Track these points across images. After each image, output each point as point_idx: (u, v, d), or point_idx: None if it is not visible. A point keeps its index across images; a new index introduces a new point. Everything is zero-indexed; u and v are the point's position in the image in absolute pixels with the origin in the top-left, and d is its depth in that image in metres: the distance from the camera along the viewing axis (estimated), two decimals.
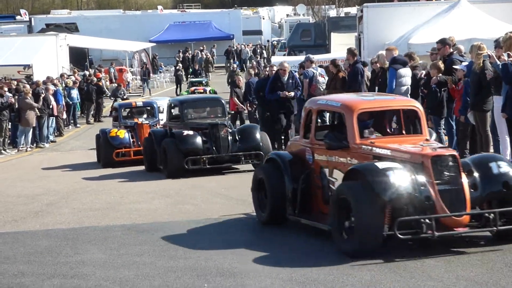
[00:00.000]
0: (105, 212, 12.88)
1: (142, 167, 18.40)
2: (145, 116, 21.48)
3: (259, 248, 9.59)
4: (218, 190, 14.47)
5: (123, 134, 20.06)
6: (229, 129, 16.98)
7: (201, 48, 55.59)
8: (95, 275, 8.84)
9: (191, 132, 16.67)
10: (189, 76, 46.74)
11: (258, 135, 17.05)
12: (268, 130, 18.36)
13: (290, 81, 18.88)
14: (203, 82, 39.66)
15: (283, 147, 18.03)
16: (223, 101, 18.22)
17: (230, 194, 13.80)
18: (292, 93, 18.69)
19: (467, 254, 8.76)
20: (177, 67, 43.98)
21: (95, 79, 34.19)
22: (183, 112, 17.65)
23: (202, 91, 34.37)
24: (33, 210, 13.43)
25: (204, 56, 51.33)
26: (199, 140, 16.58)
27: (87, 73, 37.81)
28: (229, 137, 16.72)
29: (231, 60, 54.58)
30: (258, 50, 57.65)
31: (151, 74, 49.01)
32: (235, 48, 56.48)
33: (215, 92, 34.21)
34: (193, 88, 36.53)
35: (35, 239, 10.98)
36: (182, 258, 9.36)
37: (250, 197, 13.07)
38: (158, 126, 20.40)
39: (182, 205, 13.05)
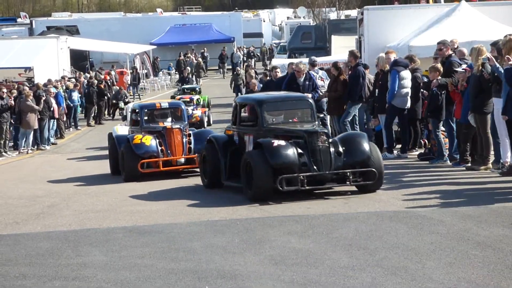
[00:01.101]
0: (106, 214, 12.88)
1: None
2: (169, 119, 18.51)
3: (261, 250, 9.60)
4: (219, 192, 14.46)
5: (150, 141, 17.16)
6: (328, 138, 13.09)
7: (202, 50, 55.64)
8: (96, 277, 8.86)
9: (282, 142, 12.75)
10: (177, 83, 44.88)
11: (367, 146, 13.09)
12: None
13: (307, 82, 18.07)
14: (197, 89, 35.22)
15: None
16: (312, 101, 14.42)
17: (230, 196, 13.80)
18: (309, 95, 17.23)
19: (468, 256, 8.77)
20: (185, 70, 43.54)
21: (96, 81, 34.26)
22: (262, 114, 13.72)
23: (188, 99, 29.90)
24: (34, 212, 13.44)
25: (195, 61, 49.71)
26: (293, 152, 12.64)
27: (88, 75, 37.92)
28: (331, 149, 12.90)
29: (225, 64, 54.54)
30: (251, 53, 57.45)
31: (151, 77, 49.15)
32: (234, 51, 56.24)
33: (208, 101, 32.50)
34: (178, 97, 31.58)
35: (36, 241, 10.99)
36: (183, 260, 9.37)
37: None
38: (187, 131, 17.85)
39: (183, 206, 13.04)
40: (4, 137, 23.92)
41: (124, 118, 24.37)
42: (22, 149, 24.62)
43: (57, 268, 9.35)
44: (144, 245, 10.31)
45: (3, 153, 23.74)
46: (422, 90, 16.39)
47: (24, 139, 24.73)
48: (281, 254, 9.33)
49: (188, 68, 44.35)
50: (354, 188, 13.13)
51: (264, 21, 69.90)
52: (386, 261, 8.71)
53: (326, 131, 13.21)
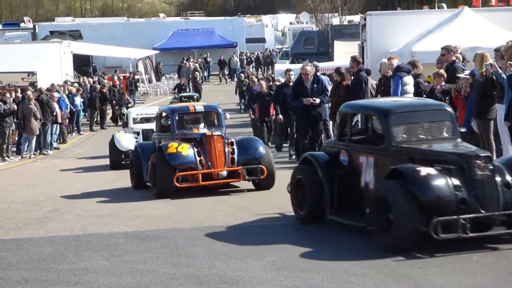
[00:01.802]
0: (109, 219, 12.87)
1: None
2: (202, 124, 16.27)
3: (262, 255, 9.58)
4: (221, 197, 14.44)
5: (187, 150, 14.72)
6: (491, 163, 9.44)
7: (205, 55, 55.56)
8: (98, 282, 8.85)
9: (432, 170, 9.28)
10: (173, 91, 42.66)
11: None
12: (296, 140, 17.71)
13: (315, 85, 17.11)
14: (195, 97, 33.04)
15: None
16: (452, 111, 10.73)
17: (232, 201, 13.79)
18: (318, 100, 16.97)
19: (470, 262, 8.75)
20: (195, 75, 42.64)
21: (98, 86, 34.30)
22: (390, 129, 10.13)
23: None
24: (36, 217, 13.44)
25: (192, 66, 47.00)
26: (448, 184, 9.19)
27: (91, 80, 37.93)
28: (497, 178, 9.32)
29: (224, 70, 54.20)
30: (248, 59, 56.68)
31: (153, 82, 49.14)
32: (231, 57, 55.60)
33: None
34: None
35: (38, 246, 10.99)
36: (185, 265, 9.36)
37: (253, 204, 13.08)
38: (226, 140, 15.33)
39: (185, 212, 13.04)
40: (7, 141, 23.93)
41: (125, 125, 23.86)
42: (25, 154, 24.62)
43: (59, 273, 9.34)
44: (146, 250, 10.31)
45: (6, 158, 23.74)
46: (424, 95, 16.36)
47: (27, 144, 24.73)
48: (283, 260, 9.31)
49: (197, 73, 43.31)
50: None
51: (267, 26, 69.94)
52: (388, 267, 8.70)
53: (488, 154, 9.70)
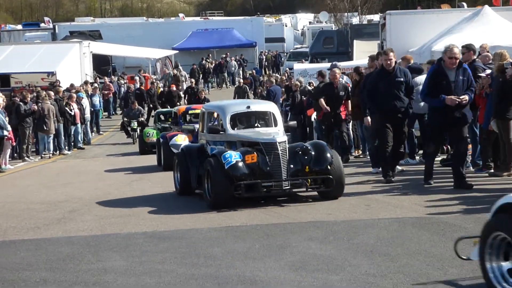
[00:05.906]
0: (127, 219, 12.89)
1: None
2: None
3: (281, 256, 9.56)
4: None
5: None
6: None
7: (224, 55, 55.43)
8: (116, 282, 8.85)
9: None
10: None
11: None
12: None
13: (461, 77, 12.91)
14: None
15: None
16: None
17: (251, 201, 13.75)
18: (466, 97, 12.91)
19: None
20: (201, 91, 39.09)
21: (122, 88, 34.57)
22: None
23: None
24: (55, 217, 13.49)
25: (171, 72, 43.42)
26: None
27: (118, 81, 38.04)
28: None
29: (225, 74, 53.60)
30: (240, 61, 55.89)
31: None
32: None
33: None
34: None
35: (57, 246, 11.02)
36: (203, 265, 9.35)
37: (272, 203, 13.06)
38: None
39: (204, 212, 13.03)
40: (27, 142, 24.06)
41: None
42: (44, 154, 24.73)
43: (77, 273, 9.36)
44: (164, 250, 10.31)
45: (26, 158, 23.87)
46: None
47: (44, 144, 24.80)
48: (301, 260, 9.28)
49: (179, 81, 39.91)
50: None
51: (286, 26, 69.93)
52: (407, 267, 8.64)
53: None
